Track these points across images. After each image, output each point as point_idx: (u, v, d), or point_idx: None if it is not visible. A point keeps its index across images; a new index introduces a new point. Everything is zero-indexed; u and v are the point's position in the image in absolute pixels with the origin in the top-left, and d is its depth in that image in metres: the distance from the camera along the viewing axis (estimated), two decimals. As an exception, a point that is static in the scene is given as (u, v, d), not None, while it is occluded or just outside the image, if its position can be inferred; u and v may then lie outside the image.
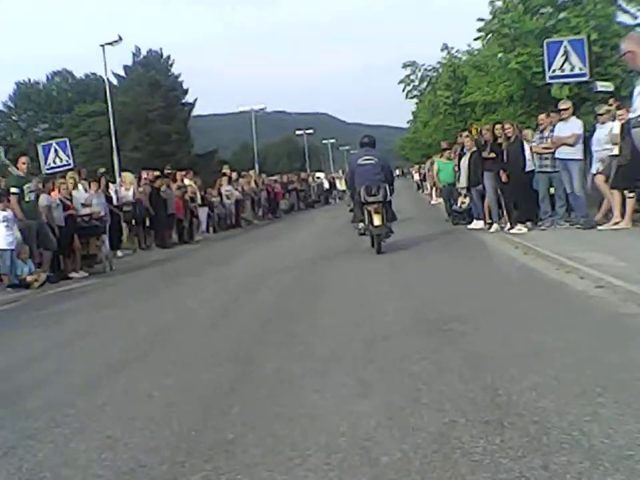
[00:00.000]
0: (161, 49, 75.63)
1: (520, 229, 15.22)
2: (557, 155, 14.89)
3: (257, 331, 7.84)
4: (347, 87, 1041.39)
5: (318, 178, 54.94)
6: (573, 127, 14.73)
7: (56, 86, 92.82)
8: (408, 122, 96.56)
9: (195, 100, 78.53)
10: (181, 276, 14.94)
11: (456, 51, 40.34)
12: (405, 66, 42.83)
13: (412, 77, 43.48)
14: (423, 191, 47.83)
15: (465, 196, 19.41)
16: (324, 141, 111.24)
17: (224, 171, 33.75)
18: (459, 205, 19.94)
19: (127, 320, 9.94)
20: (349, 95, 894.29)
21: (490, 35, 23.14)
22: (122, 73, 75.60)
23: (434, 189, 36.04)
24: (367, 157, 14.44)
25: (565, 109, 14.88)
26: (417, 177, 52.83)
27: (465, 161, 18.64)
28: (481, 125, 26.81)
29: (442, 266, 11.96)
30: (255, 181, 35.01)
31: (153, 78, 73.84)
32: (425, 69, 43.29)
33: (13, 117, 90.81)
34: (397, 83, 43.77)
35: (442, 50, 41.30)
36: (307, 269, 13.39)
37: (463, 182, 19.01)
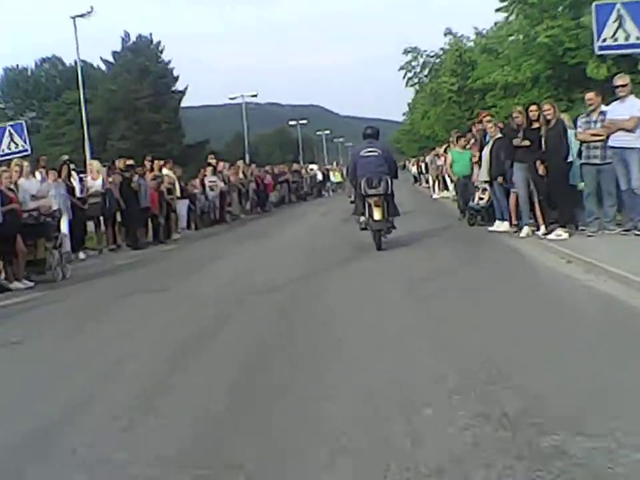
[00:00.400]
0: (150, 34, 72.33)
1: (559, 234, 12.20)
2: (610, 143, 11.82)
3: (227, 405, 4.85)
4: (340, 80, 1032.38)
5: (311, 170, 51.75)
6: (631, 107, 11.63)
7: (45, 73, 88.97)
8: (404, 114, 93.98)
9: (186, 88, 75.26)
10: (141, 291, 11.74)
11: (461, 35, 37.25)
12: (406, 52, 39.65)
13: (413, 64, 40.34)
14: (421, 184, 44.82)
15: (484, 191, 16.36)
16: (318, 132, 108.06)
17: (209, 160, 30.70)
18: (475, 201, 16.82)
19: (46, 366, 6.87)
20: (343, 88, 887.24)
21: (514, 5, 19.80)
22: (111, 59, 72.43)
23: (436, 182, 33.02)
24: (369, 149, 13.82)
25: (623, 85, 11.77)
26: (414, 169, 49.58)
27: (487, 150, 15.50)
28: (493, 112, 24.04)
29: (476, 289, 8.77)
30: (243, 172, 31.82)
31: (142, 64, 70.58)
32: (428, 55, 40.12)
33: (0, 105, 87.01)
34: (398, 69, 40.74)
35: (445, 35, 38.28)
36: (300, 284, 10.54)
37: (483, 174, 15.87)
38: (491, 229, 15.25)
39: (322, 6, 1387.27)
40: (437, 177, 32.69)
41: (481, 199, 16.69)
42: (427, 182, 45.09)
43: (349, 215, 17.81)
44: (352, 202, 19.12)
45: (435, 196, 32.37)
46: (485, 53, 27.66)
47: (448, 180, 28.95)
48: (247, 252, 16.70)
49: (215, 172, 28.05)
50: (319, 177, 51.37)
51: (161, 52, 72.61)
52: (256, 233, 22.54)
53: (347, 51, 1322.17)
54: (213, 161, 30.13)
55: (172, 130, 71.49)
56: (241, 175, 31.12)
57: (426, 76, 41.59)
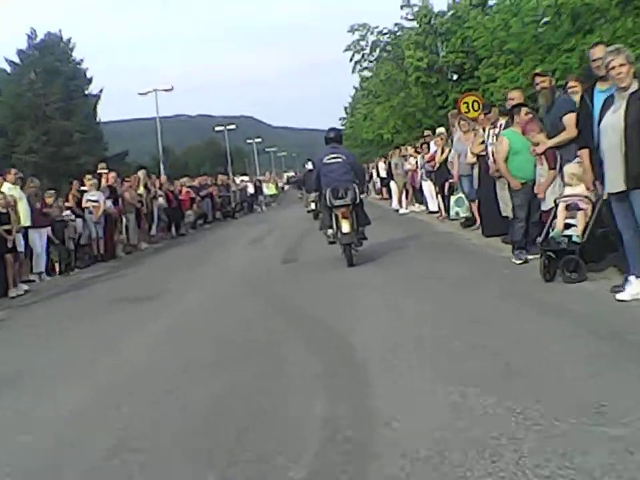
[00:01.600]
0: (60, 30, 62.22)
1: None
2: None
3: None
4: (272, 91, 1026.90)
5: (242, 181, 42.73)
6: None
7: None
8: (341, 119, 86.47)
9: (101, 91, 65.06)
10: None
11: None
12: (352, 30, 31.10)
13: (362, 43, 31.75)
14: (368, 195, 36.04)
15: (573, 209, 7.92)
16: (248, 141, 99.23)
17: (99, 170, 21.69)
18: (557, 229, 8.27)
19: None
20: (275, 99, 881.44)
21: None
22: (16, 59, 62.07)
23: (404, 192, 24.42)
24: (333, 155, 12.13)
25: None
26: (375, 174, 40.18)
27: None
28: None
29: None
30: (146, 186, 22.62)
31: (50, 64, 60.54)
32: (379, 32, 31.40)
33: None
34: (343, 51, 32.22)
35: (402, 7, 29.75)
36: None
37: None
38: (621, 296, 6.71)
39: (254, 16, 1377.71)
40: (404, 185, 24.08)
41: (568, 225, 8.16)
42: (380, 193, 36.77)
43: (294, 241, 15.62)
44: (309, 211, 20.44)
45: (402, 211, 23.80)
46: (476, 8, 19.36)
47: (428, 189, 20.56)
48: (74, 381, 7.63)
49: (99, 187, 18.97)
50: (250, 189, 42.37)
51: (72, 50, 62.50)
52: (142, 289, 13.04)
53: (278, 62, 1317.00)
54: (104, 171, 21.13)
55: (86, 140, 61.48)
56: (142, 190, 21.94)
57: (376, 59, 33.02)
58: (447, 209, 18.03)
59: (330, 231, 12.21)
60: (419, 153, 22.42)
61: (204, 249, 19.47)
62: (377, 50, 32.49)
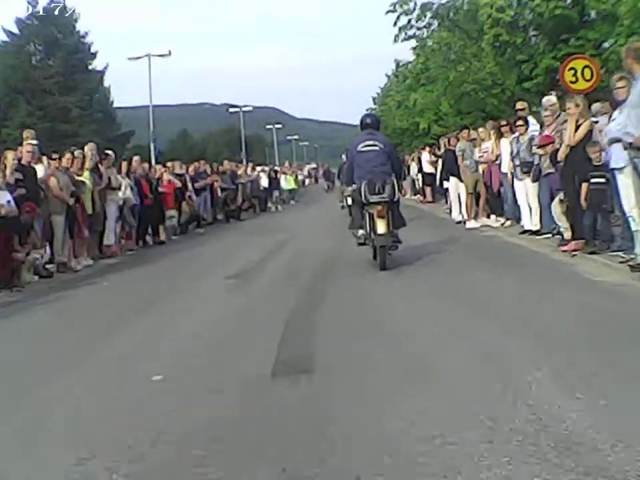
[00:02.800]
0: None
1: None
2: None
3: None
4: (297, 84, 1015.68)
5: (255, 170, 34.82)
6: None
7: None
8: (367, 109, 78.84)
9: (106, 67, 57.47)
10: None
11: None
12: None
13: (410, 3, 23.75)
14: (425, 197, 28.16)
15: None
16: (268, 126, 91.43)
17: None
18: None
19: None
20: (300, 92, 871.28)
21: None
22: (14, 29, 54.66)
23: (469, 197, 16.58)
24: (369, 142, 10.50)
25: None
26: (415, 169, 31.70)
27: None
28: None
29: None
30: (96, 169, 14.95)
31: (51, 36, 53.16)
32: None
33: None
34: (385, 12, 24.30)
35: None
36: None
37: None
38: None
39: (285, 8, 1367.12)
40: (475, 184, 16.32)
41: None
42: (422, 193, 28.89)
43: (316, 277, 10.23)
44: (343, 207, 20.43)
45: (470, 224, 16.07)
46: None
47: (524, 193, 12.90)
48: None
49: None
50: (264, 182, 34.45)
51: (75, 21, 54.96)
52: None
53: (305, 53, 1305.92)
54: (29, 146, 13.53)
55: (92, 119, 54.19)
56: (86, 176, 14.28)
57: (425, 26, 25.05)
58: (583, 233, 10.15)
59: (361, 232, 10.67)
60: (501, 135, 14.79)
61: (152, 285, 11.52)
62: (428, 14, 24.51)
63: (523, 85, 18.52)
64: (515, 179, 13.48)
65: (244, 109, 66.34)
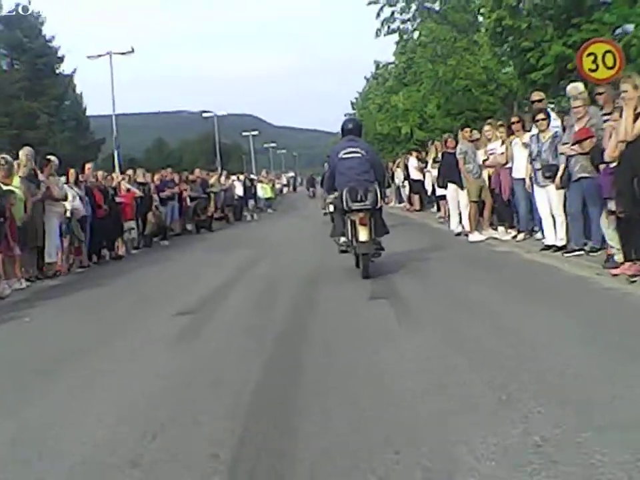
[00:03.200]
0: (29, 1, 51.71)
1: None
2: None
3: None
4: (275, 91, 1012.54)
5: (229, 179, 32.30)
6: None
7: None
8: (346, 115, 76.74)
9: (74, 71, 54.79)
10: None
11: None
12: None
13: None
14: (412, 205, 25.84)
15: None
16: (244, 133, 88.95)
17: None
18: None
19: None
20: (278, 99, 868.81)
21: None
22: (-22, 33, 51.90)
23: (472, 206, 14.22)
24: (351, 149, 10.15)
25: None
26: (401, 176, 29.00)
27: None
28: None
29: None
30: (33, 177, 12.42)
31: (16, 39, 50.36)
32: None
33: None
34: (367, 4, 22.05)
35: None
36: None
37: None
38: None
39: (262, 12, 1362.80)
40: (479, 191, 14.01)
41: None
42: (408, 201, 26.61)
43: (293, 309, 8.10)
44: (325, 214, 19.39)
45: (474, 237, 13.73)
46: None
47: (546, 202, 10.62)
48: None
49: None
50: (239, 191, 31.95)
51: (42, 24, 52.18)
52: None
53: (276, 54, 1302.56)
54: None
55: (55, 124, 51.50)
56: (16, 184, 11.80)
57: (410, 19, 22.78)
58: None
59: (342, 239, 10.29)
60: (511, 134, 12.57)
61: (81, 323, 8.74)
62: (413, 6, 22.24)
63: (529, 77, 16.16)
64: (534, 186, 11.12)
65: (218, 114, 63.64)
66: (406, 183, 26.37)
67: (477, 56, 20.75)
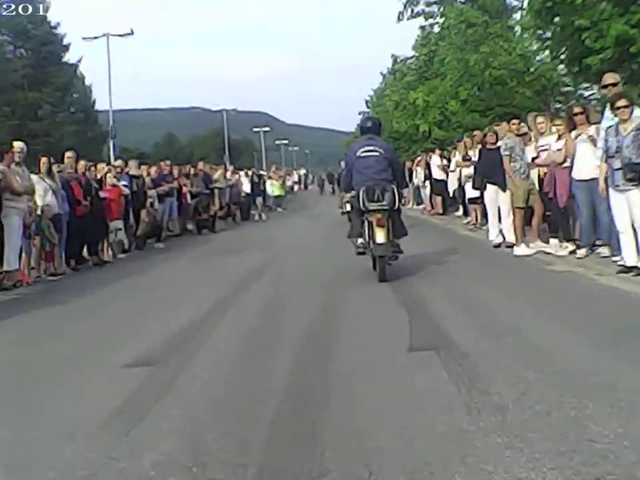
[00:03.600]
0: (34, -14, 49.41)
1: None
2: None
3: None
4: (288, 89, 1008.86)
5: (236, 174, 29.95)
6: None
7: None
8: (360, 113, 74.63)
9: (80, 60, 52.48)
10: None
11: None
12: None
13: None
14: (433, 208, 23.57)
15: None
16: (255, 129, 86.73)
17: None
18: None
19: None
20: (290, 97, 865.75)
21: None
22: (-19, 18, 49.67)
23: (518, 212, 11.82)
24: (369, 148, 9.80)
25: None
26: (422, 176, 26.03)
27: None
28: None
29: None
30: None
31: (20, 25, 48.13)
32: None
33: None
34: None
35: None
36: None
37: None
38: None
39: (276, 11, 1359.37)
40: (527, 194, 11.63)
41: None
42: (430, 203, 24.33)
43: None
44: (343, 213, 19.07)
45: (520, 250, 11.37)
46: None
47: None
48: None
49: None
50: (246, 187, 29.58)
51: (46, 10, 49.82)
52: None
53: (291, 53, 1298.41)
54: None
55: (60, 115, 49.48)
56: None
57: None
58: None
59: (360, 240, 9.82)
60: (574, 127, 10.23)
61: None
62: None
63: (583, 62, 13.70)
64: (609, 190, 8.71)
65: (229, 108, 61.54)
66: (427, 183, 23.98)
67: (512, 43, 18.31)
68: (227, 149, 56.67)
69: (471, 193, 15.61)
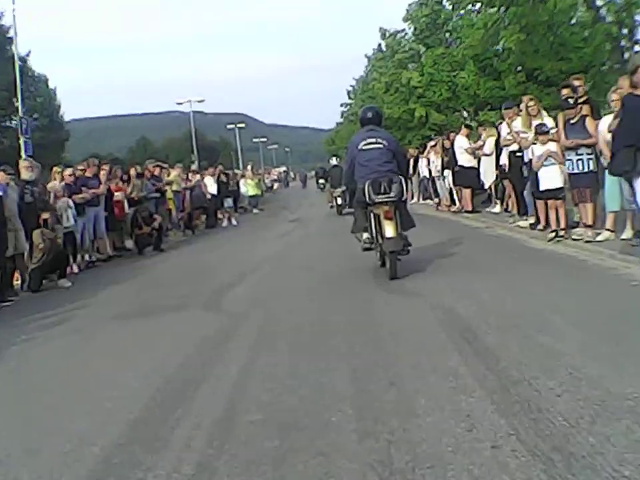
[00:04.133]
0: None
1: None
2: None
3: None
4: (267, 90, 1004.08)
5: (197, 175, 23.82)
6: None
7: None
8: (342, 105, 69.00)
9: (29, 53, 46.63)
10: None
11: None
12: None
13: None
14: (456, 204, 17.90)
15: None
16: (229, 126, 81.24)
17: None
18: None
19: None
20: (269, 98, 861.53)
21: None
22: None
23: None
24: (371, 140, 9.25)
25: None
26: (437, 164, 19.31)
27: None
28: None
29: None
30: None
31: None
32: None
33: None
34: None
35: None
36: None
37: None
38: None
39: (253, 14, 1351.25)
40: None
41: None
42: (451, 197, 18.69)
43: None
44: (332, 207, 21.94)
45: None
46: None
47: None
48: None
49: None
50: (211, 188, 23.48)
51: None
52: None
53: (267, 54, 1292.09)
54: None
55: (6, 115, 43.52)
56: None
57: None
58: None
59: (365, 235, 9.46)
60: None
61: None
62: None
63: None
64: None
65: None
66: (446, 172, 18.05)
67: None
68: (195, 149, 50.58)
69: (548, 182, 9.91)
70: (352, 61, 68.98)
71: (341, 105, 69.65)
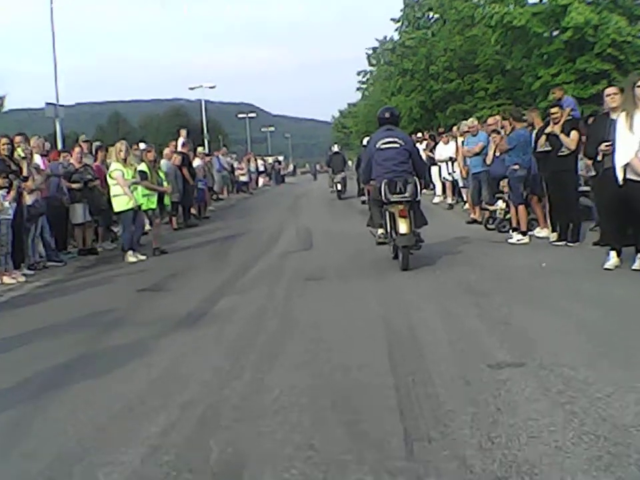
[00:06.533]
0: None
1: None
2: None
3: None
4: (276, 82, 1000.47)
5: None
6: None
7: None
8: (349, 105, 66.57)
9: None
10: None
11: None
12: None
13: None
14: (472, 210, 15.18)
15: None
16: (240, 115, 77.45)
17: None
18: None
19: None
20: (278, 89, 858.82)
21: None
22: None
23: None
24: (388, 139, 9.54)
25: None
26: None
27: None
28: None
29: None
30: None
31: None
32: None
33: None
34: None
35: None
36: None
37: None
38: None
39: (262, 7, 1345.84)
40: None
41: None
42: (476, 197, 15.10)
43: None
44: (332, 191, 24.07)
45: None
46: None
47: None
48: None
49: None
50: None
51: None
52: None
53: (276, 45, 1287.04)
54: None
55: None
56: None
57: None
58: None
59: (380, 231, 9.96)
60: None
61: None
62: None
63: None
64: None
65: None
66: (481, 167, 14.26)
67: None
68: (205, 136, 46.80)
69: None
70: (354, 59, 65.81)
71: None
